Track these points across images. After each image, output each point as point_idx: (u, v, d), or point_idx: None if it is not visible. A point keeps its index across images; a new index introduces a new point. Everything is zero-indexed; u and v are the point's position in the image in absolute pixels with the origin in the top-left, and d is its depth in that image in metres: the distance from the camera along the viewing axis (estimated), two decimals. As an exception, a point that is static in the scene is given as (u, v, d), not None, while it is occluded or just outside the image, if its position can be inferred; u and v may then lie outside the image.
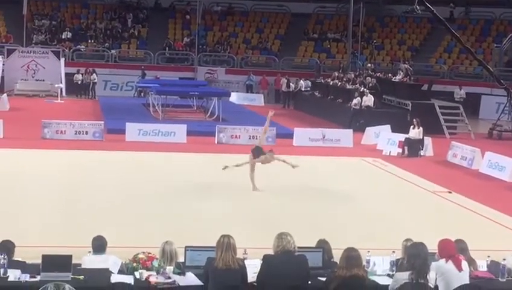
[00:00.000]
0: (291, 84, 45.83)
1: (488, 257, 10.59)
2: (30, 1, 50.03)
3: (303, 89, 45.26)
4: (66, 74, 45.55)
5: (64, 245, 12.61)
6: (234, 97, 44.63)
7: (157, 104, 35.28)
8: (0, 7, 51.64)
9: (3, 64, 44.83)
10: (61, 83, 44.35)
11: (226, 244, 8.96)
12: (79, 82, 45.62)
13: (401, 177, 23.37)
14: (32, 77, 45.52)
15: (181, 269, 9.53)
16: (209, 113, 35.71)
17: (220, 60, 51.08)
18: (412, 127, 28.01)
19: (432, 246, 9.37)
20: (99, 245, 10.10)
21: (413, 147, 27.58)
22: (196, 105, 39.08)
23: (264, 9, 55.78)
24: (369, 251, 10.33)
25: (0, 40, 49.29)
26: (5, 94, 39.66)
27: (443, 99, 38.50)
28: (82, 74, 45.66)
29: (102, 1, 54.84)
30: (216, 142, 28.62)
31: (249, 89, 48.57)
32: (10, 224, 14.94)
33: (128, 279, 9.44)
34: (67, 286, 8.73)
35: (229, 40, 52.50)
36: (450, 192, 20.79)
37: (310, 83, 45.25)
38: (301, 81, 45.71)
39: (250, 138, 28.58)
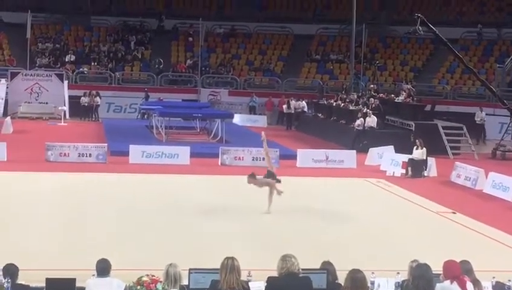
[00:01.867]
0: (291, 104, 45.73)
1: (493, 277, 10.55)
2: (34, 25, 50.27)
3: (305, 110, 45.29)
4: (70, 97, 45.67)
5: (68, 268, 12.59)
6: (237, 119, 44.67)
7: (161, 126, 35.33)
8: (4, 31, 51.91)
9: (7, 88, 44.97)
10: (64, 105, 44.47)
11: (230, 266, 8.93)
12: (85, 104, 45.70)
13: (405, 197, 23.33)
14: (36, 100, 45.63)
15: (185, 292, 9.50)
16: (212, 134, 35.72)
17: (223, 82, 51.16)
18: (415, 147, 28.00)
19: (437, 267, 9.34)
20: (103, 268, 10.07)
21: (416, 168, 27.55)
22: (199, 127, 39.10)
23: (267, 31, 55.93)
24: (373, 272, 10.29)
25: (4, 64, 49.47)
26: (8, 117, 39.72)
27: (446, 119, 38.48)
28: (88, 96, 45.75)
29: (106, 24, 55.06)
30: (220, 163, 28.61)
31: (252, 110, 48.61)
32: (14, 247, 14.92)
33: (132, 302, 9.41)
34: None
35: (232, 62, 52.62)
36: (454, 213, 20.75)
37: (305, 104, 45.32)
38: (299, 102, 45.68)
39: (253, 160, 28.58)
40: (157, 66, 50.07)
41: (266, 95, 49.07)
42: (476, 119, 42.10)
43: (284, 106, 45.92)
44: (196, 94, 49.33)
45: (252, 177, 19.63)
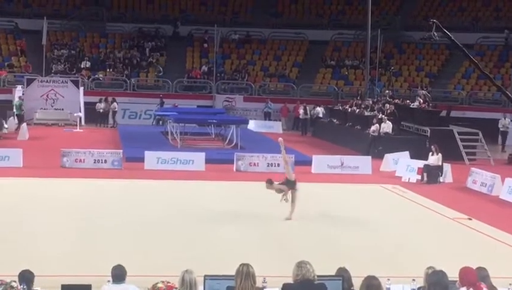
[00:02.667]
0: (308, 110, 45.76)
1: (510, 284, 10.48)
2: (50, 31, 50.49)
3: (320, 116, 45.26)
4: (85, 103, 45.83)
5: (83, 274, 12.62)
6: (252, 125, 44.69)
7: (176, 132, 35.39)
8: (20, 37, 52.15)
9: (23, 94, 45.17)
10: (80, 111, 44.63)
11: (245, 273, 8.91)
12: (101, 110, 45.84)
13: (420, 204, 23.24)
14: (52, 106, 45.78)
15: (200, 299, 9.49)
16: (227, 141, 35.74)
17: (238, 88, 51.20)
18: (430, 153, 27.91)
19: (453, 274, 9.29)
20: (118, 274, 10.09)
21: (432, 174, 27.47)
22: (214, 133, 39.14)
23: (282, 37, 55.96)
24: (389, 279, 10.26)
25: (20, 70, 49.70)
26: (24, 123, 39.89)
27: (462, 125, 38.34)
28: (104, 102, 45.91)
29: (121, 30, 55.23)
30: (235, 169, 28.61)
31: (266, 116, 48.62)
32: (30, 253, 14.97)
33: (148, 308, 9.42)
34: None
35: (247, 68, 52.66)
36: (470, 219, 20.64)
37: (320, 110, 45.32)
38: (318, 108, 45.70)
39: (268, 166, 28.60)
40: (156, 73, 50.11)
41: (281, 101, 49.08)
42: (499, 126, 41.73)
43: (301, 112, 45.86)
44: (211, 100, 49.40)
45: (269, 183, 19.67)
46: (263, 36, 55.96)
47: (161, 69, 50.50)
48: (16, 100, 43.58)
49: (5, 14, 53.60)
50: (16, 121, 41.99)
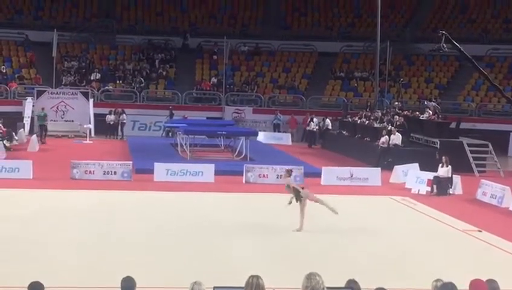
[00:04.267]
0: (314, 121, 45.61)
1: (520, 296, 10.46)
2: (60, 43, 50.68)
3: (329, 128, 45.23)
4: (95, 115, 45.94)
5: (93, 286, 12.64)
6: (261, 136, 44.71)
7: (185, 144, 35.42)
8: (30, 49, 52.38)
9: (33, 106, 45.33)
10: (90, 123, 44.75)
11: (255, 285, 8.88)
12: (111, 122, 45.97)
13: (430, 215, 23.20)
14: (62, 118, 45.89)
15: (210, 310, 9.47)
16: (236, 152, 35.75)
17: (247, 100, 51.26)
18: (440, 165, 27.85)
19: (462, 286, 9.26)
20: (128, 286, 10.07)
21: (442, 186, 27.42)
22: (224, 144, 39.16)
23: (291, 49, 56.04)
24: (398, 291, 10.25)
25: (31, 82, 49.89)
26: (34, 135, 40.03)
27: (471, 137, 38.28)
28: (114, 114, 46.03)
29: (131, 42, 55.41)
30: (244, 181, 28.61)
31: (276, 128, 48.65)
32: (39, 265, 15.01)
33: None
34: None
35: (256, 80, 52.73)
36: (479, 231, 20.59)
37: (330, 121, 45.30)
38: (327, 120, 45.69)
39: (278, 177, 28.56)
40: (138, 84, 50.21)
41: (290, 112, 49.10)
42: None
43: (312, 123, 45.67)
44: (220, 112, 49.47)
45: (288, 173, 19.81)
46: (272, 48, 56.05)
47: (142, 80, 50.14)
48: (39, 111, 43.76)
49: (15, 26, 53.86)
50: (38, 131, 42.32)
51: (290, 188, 19.72)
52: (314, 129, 45.47)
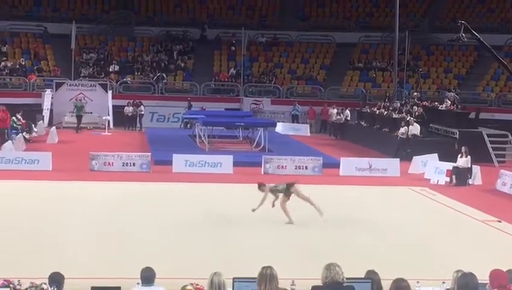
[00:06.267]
0: (341, 112, 45.55)
1: (541, 287, 10.39)
2: (78, 35, 50.80)
3: (348, 118, 45.10)
4: (113, 107, 46.08)
5: (112, 277, 12.68)
6: (280, 127, 44.70)
7: (204, 135, 35.45)
8: (49, 42, 52.56)
9: (52, 98, 45.52)
10: (108, 115, 44.87)
11: (269, 275, 8.88)
12: (129, 114, 46.08)
13: (449, 206, 23.13)
14: (80, 110, 46.03)
15: (229, 301, 9.50)
16: (255, 143, 35.76)
17: (266, 91, 51.17)
18: (460, 155, 27.74)
19: (482, 277, 9.23)
20: (147, 276, 10.12)
21: (461, 176, 27.31)
22: (242, 136, 39.17)
23: (309, 40, 55.88)
24: (418, 282, 10.21)
25: (49, 74, 50.07)
26: (54, 127, 40.20)
27: (491, 127, 38.09)
28: (132, 106, 46.16)
29: (149, 34, 55.44)
30: (262, 172, 28.58)
31: (294, 119, 48.58)
32: (59, 256, 15.09)
33: (177, 310, 9.44)
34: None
35: (275, 71, 52.64)
36: (499, 221, 20.50)
37: (349, 112, 45.15)
38: (347, 111, 45.57)
39: (296, 168, 28.59)
40: (160, 80, 50.21)
41: (309, 103, 49.01)
42: None
43: (341, 115, 45.29)
44: (239, 103, 49.45)
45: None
46: (290, 39, 55.90)
47: (164, 76, 50.27)
48: (76, 101, 44.38)
49: (34, 18, 54.01)
50: (76, 121, 43.81)
51: (275, 194, 19.73)
52: (342, 120, 45.12)
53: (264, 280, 8.84)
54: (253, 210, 19.16)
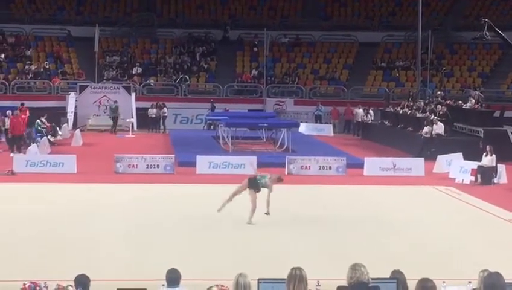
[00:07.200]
0: (359, 113, 45.54)
1: None
2: (101, 38, 51.03)
3: (372, 118, 45.01)
4: (137, 109, 46.27)
5: (138, 278, 12.74)
6: (303, 128, 44.63)
7: (227, 137, 35.46)
8: (72, 45, 52.87)
9: (76, 101, 45.77)
10: (132, 117, 45.04)
11: (298, 276, 8.87)
12: (153, 116, 46.25)
13: (475, 205, 23.00)
14: (104, 112, 46.21)
15: (255, 302, 9.49)
16: (278, 144, 35.73)
17: (289, 91, 51.17)
18: (484, 154, 27.59)
19: (509, 276, 9.17)
20: (173, 278, 10.15)
21: (486, 175, 27.16)
22: (265, 136, 39.15)
23: (332, 40, 55.80)
24: (444, 281, 10.17)
25: (73, 77, 50.35)
26: (78, 130, 40.44)
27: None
28: (156, 108, 46.33)
29: (171, 36, 55.60)
30: (286, 173, 28.51)
31: (317, 119, 48.51)
32: (85, 258, 15.17)
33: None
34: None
35: (297, 71, 52.61)
36: (525, 220, 20.39)
37: (372, 112, 45.05)
38: (370, 110, 45.47)
39: (320, 169, 28.54)
40: (183, 82, 50.34)
41: (332, 104, 48.93)
42: None
43: (368, 116, 45.18)
44: (262, 104, 49.46)
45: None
46: (313, 39, 55.84)
47: (187, 78, 50.47)
48: (111, 103, 44.90)
49: (57, 22, 54.34)
50: (111, 123, 44.50)
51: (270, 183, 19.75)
52: (370, 121, 44.97)
53: (292, 280, 8.84)
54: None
